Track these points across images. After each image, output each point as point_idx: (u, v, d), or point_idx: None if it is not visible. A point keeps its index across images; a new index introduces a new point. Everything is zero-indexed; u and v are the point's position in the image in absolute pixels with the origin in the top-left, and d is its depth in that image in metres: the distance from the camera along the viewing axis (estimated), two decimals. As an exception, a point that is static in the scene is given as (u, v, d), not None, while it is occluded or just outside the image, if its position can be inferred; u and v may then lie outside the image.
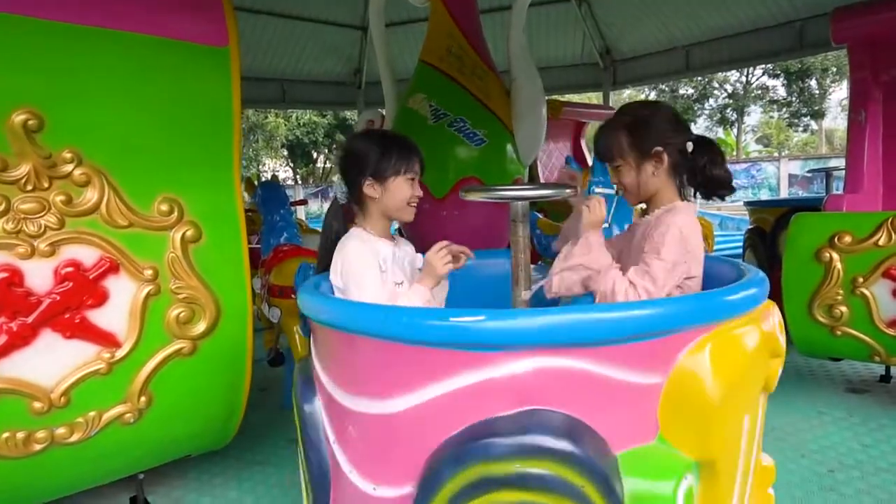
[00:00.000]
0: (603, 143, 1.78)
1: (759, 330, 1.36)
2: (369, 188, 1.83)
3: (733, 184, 1.75)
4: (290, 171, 31.13)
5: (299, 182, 29.37)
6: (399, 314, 1.32)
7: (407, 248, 1.97)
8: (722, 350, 1.25)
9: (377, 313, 1.35)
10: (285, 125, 27.14)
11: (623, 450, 1.22)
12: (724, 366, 1.24)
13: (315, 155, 30.30)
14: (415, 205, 1.88)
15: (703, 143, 1.73)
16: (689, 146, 1.71)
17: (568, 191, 1.64)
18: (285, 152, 29.84)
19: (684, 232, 1.60)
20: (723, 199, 1.78)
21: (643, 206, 1.81)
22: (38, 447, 1.98)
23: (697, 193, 1.79)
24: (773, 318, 1.43)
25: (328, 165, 30.47)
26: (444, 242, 1.71)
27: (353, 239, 1.81)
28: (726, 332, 1.28)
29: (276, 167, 31.08)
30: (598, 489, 1.13)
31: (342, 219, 1.92)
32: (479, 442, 1.19)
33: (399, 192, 1.83)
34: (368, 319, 1.34)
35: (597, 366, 1.21)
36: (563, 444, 1.14)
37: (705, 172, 1.71)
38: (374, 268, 1.73)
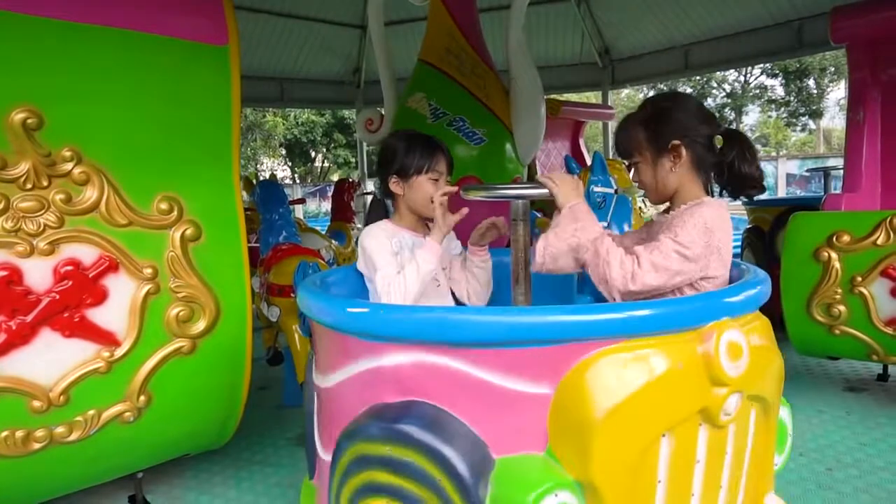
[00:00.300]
0: (620, 138, 1.69)
1: (685, 352, 1.20)
2: (395, 185, 1.94)
3: (764, 186, 1.61)
4: (289, 170, 31.09)
5: (297, 181, 29.32)
6: (324, 303, 1.48)
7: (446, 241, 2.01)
8: (617, 368, 1.16)
9: (314, 302, 1.51)
10: (283, 124, 27.11)
11: (504, 455, 1.22)
12: (616, 385, 1.15)
13: (313, 154, 30.26)
14: (443, 203, 1.88)
15: (733, 136, 1.59)
16: (719, 140, 1.57)
17: None
18: (283, 151, 29.80)
19: (709, 224, 1.47)
20: (751, 198, 1.63)
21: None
22: (37, 446, 1.97)
23: (724, 192, 1.65)
24: (721, 341, 1.22)
25: (326, 164, 30.44)
26: (442, 192, 1.83)
27: (371, 229, 1.94)
28: (628, 350, 1.18)
29: (274, 166, 31.04)
30: (454, 485, 1.16)
31: (381, 214, 2.00)
32: (365, 424, 1.30)
33: (421, 190, 1.91)
34: (310, 307, 1.53)
35: (473, 368, 1.22)
36: (427, 437, 1.20)
37: (733, 169, 1.57)
38: (386, 250, 1.84)
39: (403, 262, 1.81)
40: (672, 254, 1.44)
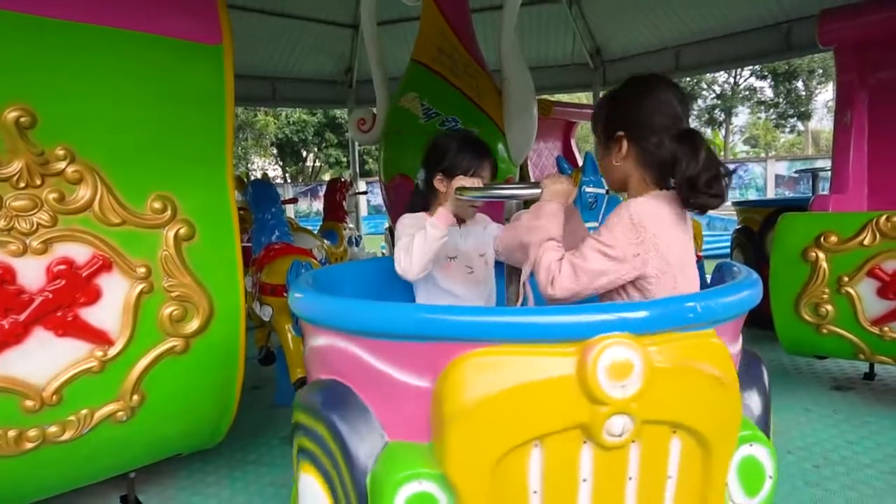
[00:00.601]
0: (593, 112, 1.65)
1: (559, 364, 1.16)
2: (439, 182, 2.00)
3: (719, 195, 1.42)
4: (280, 169, 30.99)
5: (288, 180, 29.23)
6: (291, 290, 1.63)
7: (477, 228, 2.10)
8: (484, 370, 1.17)
9: (293, 288, 1.64)
10: (275, 123, 27.03)
11: (395, 440, 1.31)
12: (478, 386, 1.16)
13: (304, 153, 30.19)
14: (479, 206, 2.00)
15: (684, 136, 1.44)
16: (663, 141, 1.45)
17: None
18: (274, 151, 29.71)
19: (636, 219, 1.38)
20: (702, 212, 1.46)
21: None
22: (29, 445, 1.97)
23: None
24: (601, 358, 1.14)
25: (317, 164, 30.37)
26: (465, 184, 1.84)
27: (405, 216, 2.01)
28: (500, 353, 1.18)
29: (265, 165, 30.93)
30: (344, 459, 1.30)
31: (419, 206, 2.07)
32: (300, 395, 1.52)
33: None
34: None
35: (372, 356, 1.33)
36: (330, 414, 1.34)
37: (680, 171, 1.42)
38: (410, 227, 1.90)
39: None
40: (593, 253, 1.37)
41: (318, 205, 21.06)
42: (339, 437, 1.31)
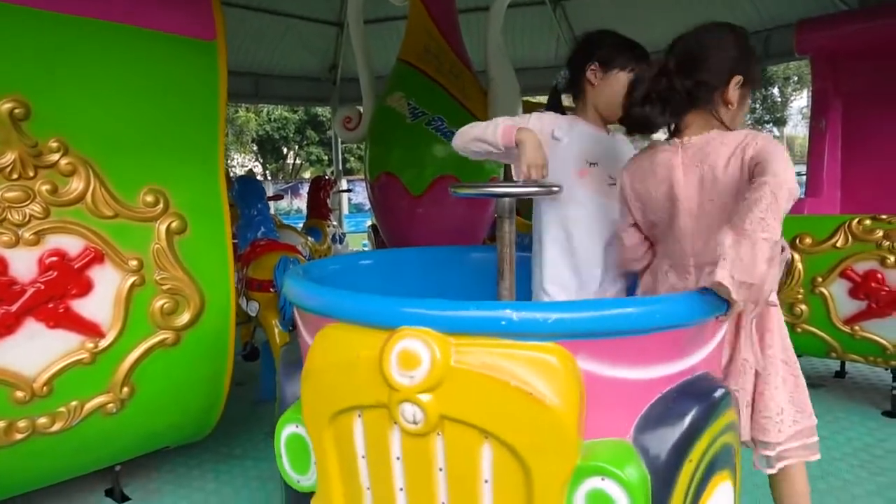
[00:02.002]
0: None
1: (370, 346, 1.25)
2: (592, 73, 1.89)
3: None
4: (260, 166, 30.72)
5: (269, 178, 29.01)
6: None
7: (613, 142, 1.98)
8: (327, 341, 1.37)
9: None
10: (256, 120, 26.80)
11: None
12: (321, 354, 1.37)
13: (285, 151, 29.97)
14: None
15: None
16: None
17: (555, 189, 1.70)
18: (255, 148, 29.45)
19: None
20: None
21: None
22: (19, 436, 1.98)
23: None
24: (395, 346, 1.21)
25: (298, 162, 30.19)
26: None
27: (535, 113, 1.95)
28: (340, 330, 1.35)
29: (245, 162, 30.65)
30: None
31: (553, 105, 2.02)
32: None
33: (617, 86, 1.84)
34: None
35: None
36: (281, 367, 1.67)
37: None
38: (509, 120, 1.82)
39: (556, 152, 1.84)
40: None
41: (298, 202, 20.94)
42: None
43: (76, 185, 2.00)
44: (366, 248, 8.42)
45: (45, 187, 1.94)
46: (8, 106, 1.85)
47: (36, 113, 1.91)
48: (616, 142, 1.98)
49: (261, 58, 7.91)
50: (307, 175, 27.89)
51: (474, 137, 1.82)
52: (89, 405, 2.09)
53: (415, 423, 1.22)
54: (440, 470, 1.27)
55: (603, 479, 1.17)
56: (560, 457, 1.17)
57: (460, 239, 3.83)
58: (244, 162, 30.18)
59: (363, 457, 1.35)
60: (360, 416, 1.34)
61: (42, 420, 2.01)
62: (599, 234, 1.90)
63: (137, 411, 2.21)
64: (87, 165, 2.01)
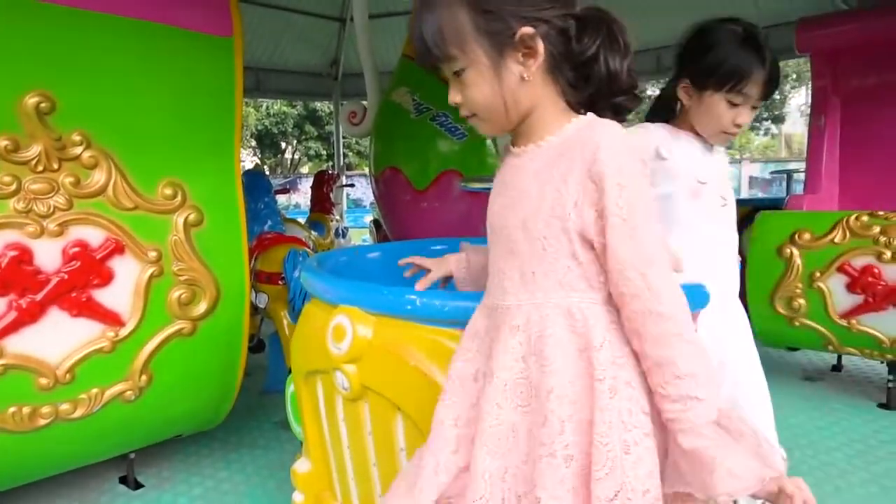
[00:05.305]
0: (426, 29, 1.00)
1: (323, 319, 1.50)
2: (682, 92, 1.54)
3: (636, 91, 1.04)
4: (258, 160, 30.68)
5: (267, 172, 28.96)
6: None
7: (717, 158, 1.66)
8: (307, 313, 1.69)
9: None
10: (255, 114, 26.76)
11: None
12: (303, 324, 1.69)
13: (284, 145, 29.94)
14: (734, 133, 1.53)
15: (592, 18, 1.01)
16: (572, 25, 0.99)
17: None
18: (253, 142, 29.41)
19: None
20: (623, 114, 1.05)
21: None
22: (42, 422, 2.03)
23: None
24: (333, 321, 1.43)
25: (296, 156, 30.16)
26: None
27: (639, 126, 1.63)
28: (315, 306, 1.66)
29: (244, 156, 30.62)
30: None
31: (659, 112, 1.68)
32: None
33: (713, 112, 1.49)
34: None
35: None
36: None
37: (597, 67, 1.00)
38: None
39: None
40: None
41: (296, 198, 20.94)
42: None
43: (98, 177, 2.05)
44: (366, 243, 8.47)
45: (68, 179, 1.99)
46: (34, 100, 1.89)
47: (60, 107, 1.95)
48: (718, 153, 1.67)
49: (262, 52, 7.94)
50: (305, 170, 27.88)
51: None
52: (109, 392, 2.15)
53: (345, 389, 1.42)
54: (369, 434, 1.45)
55: None
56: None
57: (464, 233, 3.88)
58: (242, 156, 30.11)
59: (324, 415, 1.64)
60: (319, 379, 1.61)
61: (64, 406, 2.06)
62: (709, 268, 1.52)
63: (154, 399, 2.27)
64: (109, 158, 2.06)
